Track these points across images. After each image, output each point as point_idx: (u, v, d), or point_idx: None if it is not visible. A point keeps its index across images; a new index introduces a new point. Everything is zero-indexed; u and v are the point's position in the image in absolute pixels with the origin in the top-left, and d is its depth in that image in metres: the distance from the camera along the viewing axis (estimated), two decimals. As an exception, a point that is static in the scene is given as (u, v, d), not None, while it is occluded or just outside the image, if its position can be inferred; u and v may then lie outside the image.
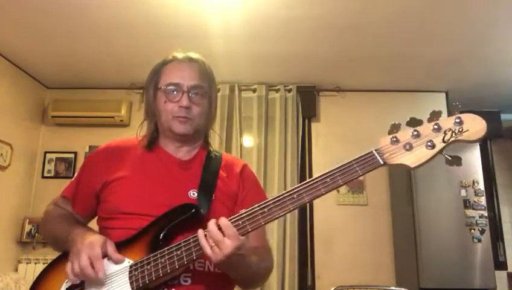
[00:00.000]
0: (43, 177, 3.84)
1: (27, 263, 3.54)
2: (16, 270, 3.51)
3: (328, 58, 3.41)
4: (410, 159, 0.95)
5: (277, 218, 0.96)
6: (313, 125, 3.93)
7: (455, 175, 3.24)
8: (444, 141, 0.93)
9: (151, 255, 0.98)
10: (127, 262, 1.00)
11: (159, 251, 0.98)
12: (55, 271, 1.09)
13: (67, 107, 3.81)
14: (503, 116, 4.29)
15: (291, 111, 3.79)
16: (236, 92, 3.82)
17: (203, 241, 0.93)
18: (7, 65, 3.47)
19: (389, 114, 3.93)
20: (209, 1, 2.62)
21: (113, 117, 3.78)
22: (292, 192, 0.97)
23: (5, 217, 3.48)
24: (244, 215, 0.96)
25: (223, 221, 0.94)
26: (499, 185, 4.24)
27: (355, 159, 0.98)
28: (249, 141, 3.83)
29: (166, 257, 0.97)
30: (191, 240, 0.97)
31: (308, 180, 0.99)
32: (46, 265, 1.13)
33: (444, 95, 3.95)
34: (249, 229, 0.95)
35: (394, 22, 2.86)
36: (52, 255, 4.01)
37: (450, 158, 0.94)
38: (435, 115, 0.97)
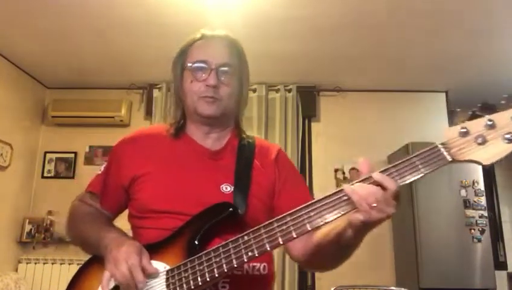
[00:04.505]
0: (43, 177, 3.84)
1: (27, 263, 3.54)
2: (16, 270, 3.51)
3: (328, 58, 3.41)
4: (483, 155, 0.80)
5: (327, 223, 0.85)
6: (313, 125, 3.93)
7: (455, 175, 3.24)
8: None
9: (188, 260, 0.92)
10: (163, 267, 0.95)
11: (196, 257, 0.92)
12: (88, 276, 1.04)
13: (67, 107, 3.81)
14: (503, 116, 4.29)
15: (291, 111, 3.79)
16: (236, 92, 3.82)
17: (364, 206, 0.80)
18: (7, 65, 3.47)
19: (389, 114, 3.96)
20: (209, 1, 2.62)
21: (113, 117, 3.77)
22: (343, 193, 0.84)
23: (5, 217, 3.48)
24: (288, 220, 0.86)
25: (377, 176, 0.82)
26: (499, 185, 4.25)
27: (417, 155, 0.83)
28: (249, 141, 3.83)
29: (205, 264, 0.90)
30: (231, 246, 0.89)
31: (359, 179, 0.85)
32: (78, 267, 1.07)
33: (444, 95, 3.95)
34: (294, 236, 0.85)
35: (394, 22, 2.86)
36: (52, 255, 3.99)
37: None
38: None
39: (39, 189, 3.82)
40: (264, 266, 1.04)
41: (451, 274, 3.07)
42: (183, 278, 0.91)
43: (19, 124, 3.65)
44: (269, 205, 1.08)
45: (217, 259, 0.89)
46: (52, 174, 3.84)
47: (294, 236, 0.85)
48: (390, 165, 0.83)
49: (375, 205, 0.80)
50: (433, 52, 3.26)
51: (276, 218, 0.88)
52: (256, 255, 0.87)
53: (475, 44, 3.12)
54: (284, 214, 0.87)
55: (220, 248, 0.90)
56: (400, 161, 0.83)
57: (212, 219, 0.97)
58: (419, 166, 0.82)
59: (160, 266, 0.95)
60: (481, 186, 3.26)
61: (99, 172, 1.19)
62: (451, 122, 3.89)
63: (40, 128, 3.95)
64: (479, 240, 3.15)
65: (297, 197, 1.06)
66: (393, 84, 3.86)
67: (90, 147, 3.87)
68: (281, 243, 0.86)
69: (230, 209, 0.97)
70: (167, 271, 0.94)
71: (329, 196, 0.85)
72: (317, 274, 3.54)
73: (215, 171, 1.07)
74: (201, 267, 0.90)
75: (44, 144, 3.92)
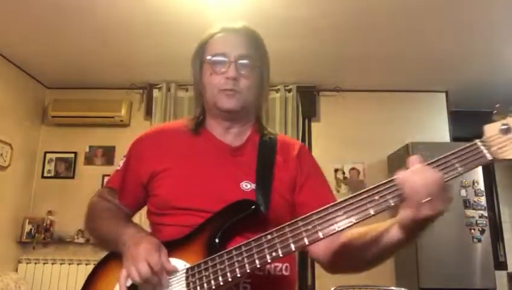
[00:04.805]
0: (43, 177, 3.84)
1: (27, 263, 3.54)
2: (16, 270, 3.51)
3: (328, 58, 3.41)
4: None
5: (354, 224, 0.81)
6: (313, 125, 3.93)
7: (455, 175, 3.24)
8: None
9: (209, 259, 0.89)
10: (183, 265, 0.92)
11: (217, 255, 0.89)
12: (106, 273, 1.02)
13: (67, 107, 3.81)
14: (503, 116, 4.29)
15: (291, 111, 3.79)
16: (237, 92, 3.82)
17: (414, 201, 0.76)
18: (7, 65, 3.47)
19: (389, 114, 3.96)
20: (209, 0, 2.62)
21: (113, 117, 3.78)
22: (374, 191, 0.80)
23: (5, 217, 3.48)
24: (314, 218, 0.83)
25: (420, 168, 0.77)
26: (499, 185, 4.25)
27: (454, 153, 0.78)
28: (249, 141, 3.83)
29: (226, 262, 0.87)
30: (253, 245, 0.86)
31: (391, 178, 0.80)
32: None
33: (444, 95, 3.95)
34: (321, 236, 0.81)
35: (394, 22, 2.86)
36: (52, 255, 3.98)
37: None
38: None
39: (39, 189, 3.82)
40: (287, 266, 1.01)
41: (451, 274, 3.07)
42: (204, 277, 0.88)
43: (19, 124, 3.65)
44: (291, 201, 1.04)
45: (239, 258, 0.86)
46: (52, 174, 3.84)
47: (321, 237, 0.81)
48: (425, 163, 0.79)
49: (427, 199, 0.75)
50: (433, 52, 3.26)
51: (301, 217, 0.84)
52: (281, 255, 0.83)
53: (475, 44, 3.12)
54: (310, 213, 0.83)
55: (242, 247, 0.87)
56: (435, 159, 0.78)
57: (233, 217, 0.94)
58: (456, 164, 0.76)
59: (180, 263, 0.92)
60: (481, 186, 3.26)
61: (118, 168, 1.16)
62: (452, 122, 3.89)
63: (40, 128, 3.95)
64: (479, 240, 3.15)
65: (320, 193, 1.05)
66: (393, 84, 3.86)
67: (90, 147, 3.87)
68: (307, 243, 0.82)
69: (253, 207, 0.94)
70: (187, 269, 0.91)
71: (355, 196, 0.82)
72: (317, 274, 3.54)
73: (235, 168, 1.05)
74: (222, 266, 0.87)
75: (44, 144, 3.92)
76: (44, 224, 3.64)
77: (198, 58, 1.12)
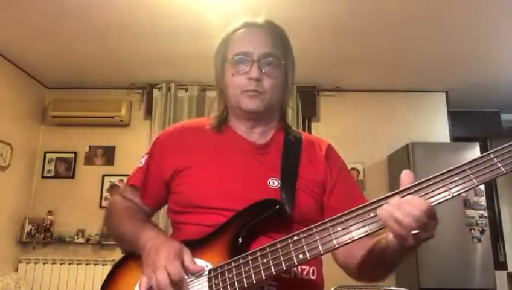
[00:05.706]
0: (43, 177, 3.84)
1: (27, 263, 3.54)
2: (16, 270, 3.51)
3: (328, 58, 3.41)
4: None
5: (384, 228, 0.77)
6: (313, 125, 3.93)
7: (455, 175, 3.24)
8: None
9: (232, 260, 0.86)
10: (205, 265, 0.89)
11: (241, 256, 0.85)
12: (124, 273, 0.99)
13: (67, 107, 3.81)
14: (503, 116, 4.30)
15: (291, 111, 3.78)
16: (237, 92, 3.82)
17: (396, 229, 0.73)
18: (7, 65, 3.47)
19: (388, 114, 3.96)
20: (208, 1, 2.62)
21: (113, 117, 3.77)
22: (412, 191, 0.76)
23: (5, 217, 3.48)
24: (344, 219, 0.80)
25: (412, 200, 0.73)
26: (499, 185, 4.25)
27: (495, 151, 0.74)
28: (249, 141, 3.83)
29: (251, 264, 0.83)
30: (279, 246, 0.83)
31: (426, 178, 0.75)
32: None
33: (444, 95, 3.95)
34: (351, 239, 0.78)
35: (394, 23, 2.86)
36: (52, 255, 3.98)
37: None
38: None
39: (39, 189, 3.82)
40: (313, 270, 0.97)
41: (451, 274, 3.07)
42: (227, 279, 0.85)
43: (19, 124, 3.65)
44: (319, 201, 1.01)
45: (264, 260, 0.83)
46: (52, 174, 3.84)
47: (351, 239, 0.78)
48: (438, 173, 0.74)
49: (412, 232, 0.73)
50: (433, 53, 3.26)
51: (329, 218, 0.81)
52: (308, 258, 0.80)
53: (474, 44, 3.12)
54: (340, 214, 0.80)
55: (267, 248, 0.84)
56: (475, 158, 0.74)
57: (256, 216, 0.91)
58: (498, 163, 0.72)
59: (202, 264, 0.89)
60: (481, 186, 3.25)
61: (140, 165, 1.12)
62: (452, 122, 3.89)
63: (40, 128, 3.95)
64: (479, 240, 3.15)
65: (352, 197, 1.02)
66: (394, 84, 3.86)
67: (90, 147, 3.87)
68: (336, 246, 0.79)
69: (277, 206, 0.91)
70: (209, 271, 0.88)
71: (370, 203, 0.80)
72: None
73: (261, 166, 1.01)
74: (246, 268, 0.84)
75: (44, 144, 3.92)
76: (44, 224, 3.64)
77: (220, 56, 1.09)
